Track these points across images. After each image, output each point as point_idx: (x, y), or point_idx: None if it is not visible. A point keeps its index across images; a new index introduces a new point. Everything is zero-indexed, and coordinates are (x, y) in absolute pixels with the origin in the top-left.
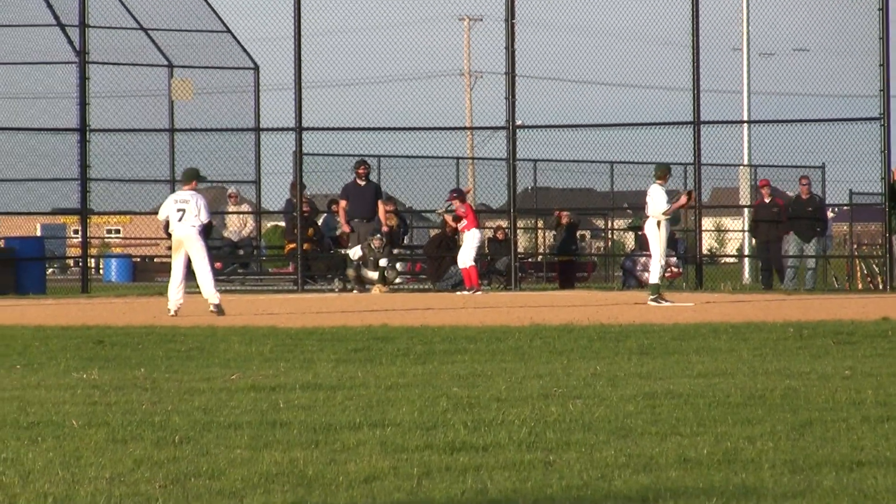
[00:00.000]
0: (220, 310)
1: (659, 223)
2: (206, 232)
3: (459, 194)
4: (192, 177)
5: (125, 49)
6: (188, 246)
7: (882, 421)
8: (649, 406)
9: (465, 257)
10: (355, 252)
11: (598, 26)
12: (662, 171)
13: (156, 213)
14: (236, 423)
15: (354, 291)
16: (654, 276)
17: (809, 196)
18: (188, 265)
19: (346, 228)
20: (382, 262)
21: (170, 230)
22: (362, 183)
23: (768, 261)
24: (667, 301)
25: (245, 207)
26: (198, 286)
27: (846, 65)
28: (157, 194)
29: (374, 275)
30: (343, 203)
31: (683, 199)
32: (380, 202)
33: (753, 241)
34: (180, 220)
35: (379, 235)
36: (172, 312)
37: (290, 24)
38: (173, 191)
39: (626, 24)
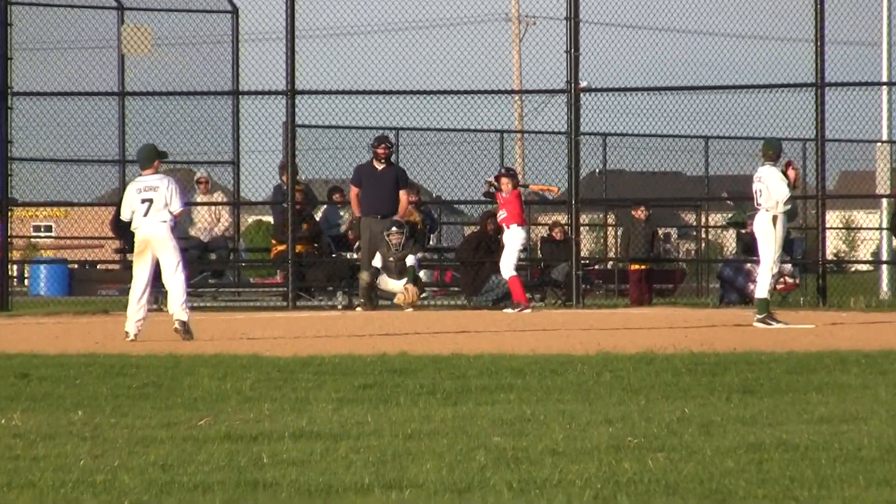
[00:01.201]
0: (186, 329)
1: (775, 218)
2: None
3: (512, 176)
4: (152, 157)
5: None
6: (157, 247)
7: None
8: (755, 461)
9: (508, 264)
10: (377, 261)
11: None
12: (774, 150)
13: (100, 203)
14: (205, 483)
15: (358, 309)
16: (762, 289)
17: None
18: (156, 273)
19: (352, 236)
20: (410, 260)
21: (133, 227)
22: (380, 166)
23: None
24: (779, 322)
25: (219, 197)
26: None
27: None
28: (101, 179)
29: (397, 284)
30: (355, 190)
31: (792, 174)
32: (402, 192)
33: (895, 241)
34: (146, 213)
35: (395, 228)
36: (132, 336)
37: None
38: (123, 174)
39: None
